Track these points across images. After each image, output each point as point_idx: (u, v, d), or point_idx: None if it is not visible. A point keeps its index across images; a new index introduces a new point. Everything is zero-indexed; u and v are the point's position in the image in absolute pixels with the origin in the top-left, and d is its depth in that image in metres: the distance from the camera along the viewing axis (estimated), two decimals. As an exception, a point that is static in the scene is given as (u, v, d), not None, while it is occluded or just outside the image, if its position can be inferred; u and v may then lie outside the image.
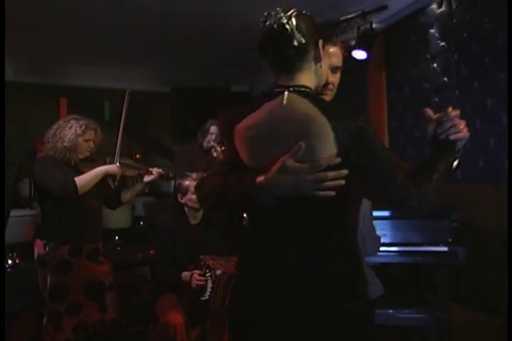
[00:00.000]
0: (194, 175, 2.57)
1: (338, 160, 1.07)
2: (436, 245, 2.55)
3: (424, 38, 3.72)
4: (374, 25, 3.95)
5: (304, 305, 1.12)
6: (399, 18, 4.01)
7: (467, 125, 1.15)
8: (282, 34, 1.14)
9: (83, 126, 2.40)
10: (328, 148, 1.08)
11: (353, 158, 1.10)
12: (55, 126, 2.41)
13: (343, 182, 1.08)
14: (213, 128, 3.46)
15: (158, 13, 4.16)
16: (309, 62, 1.20)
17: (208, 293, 2.26)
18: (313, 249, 1.14)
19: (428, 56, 3.68)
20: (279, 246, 1.17)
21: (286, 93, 1.17)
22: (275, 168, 1.09)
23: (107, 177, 2.52)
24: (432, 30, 3.64)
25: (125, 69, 6.22)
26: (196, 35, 4.78)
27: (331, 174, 1.06)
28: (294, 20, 1.14)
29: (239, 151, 1.22)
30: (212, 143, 3.45)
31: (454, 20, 3.40)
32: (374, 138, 1.10)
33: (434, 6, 3.61)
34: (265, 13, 1.16)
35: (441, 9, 3.54)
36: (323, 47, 1.22)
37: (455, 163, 1.17)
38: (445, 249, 2.53)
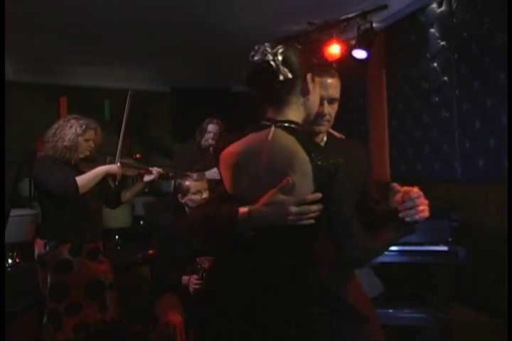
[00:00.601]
0: (194, 176, 2.56)
1: (320, 196, 1.12)
2: (436, 245, 2.55)
3: (424, 38, 3.72)
4: (374, 25, 3.95)
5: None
6: (399, 18, 4.01)
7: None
8: (268, 70, 1.14)
9: (83, 126, 2.40)
10: (307, 185, 1.12)
11: (324, 196, 1.14)
12: (55, 126, 2.41)
13: (318, 214, 1.14)
14: (211, 127, 3.48)
15: (158, 13, 4.16)
16: (297, 95, 1.20)
17: None
18: (279, 276, 1.18)
19: (428, 56, 3.68)
20: (249, 271, 1.20)
21: (272, 129, 1.18)
22: (263, 200, 1.13)
23: (107, 176, 2.52)
24: (432, 30, 3.64)
25: (125, 69, 6.21)
26: (196, 35, 4.77)
27: (314, 207, 1.12)
28: (280, 56, 1.14)
29: (222, 177, 1.26)
30: (210, 141, 3.48)
31: (454, 20, 3.40)
32: (344, 184, 1.14)
33: (435, 5, 3.61)
34: (255, 47, 1.17)
35: (442, 9, 3.54)
36: (313, 80, 1.22)
37: (413, 230, 1.25)
38: (445, 248, 2.53)
